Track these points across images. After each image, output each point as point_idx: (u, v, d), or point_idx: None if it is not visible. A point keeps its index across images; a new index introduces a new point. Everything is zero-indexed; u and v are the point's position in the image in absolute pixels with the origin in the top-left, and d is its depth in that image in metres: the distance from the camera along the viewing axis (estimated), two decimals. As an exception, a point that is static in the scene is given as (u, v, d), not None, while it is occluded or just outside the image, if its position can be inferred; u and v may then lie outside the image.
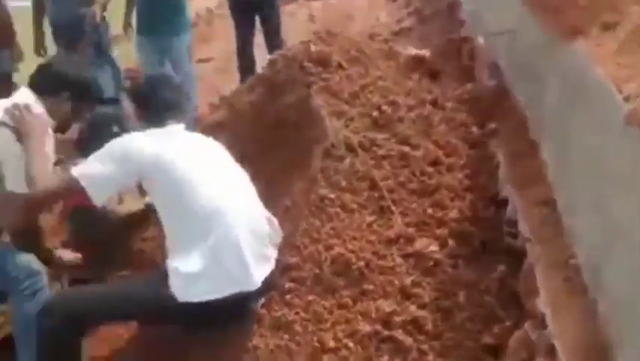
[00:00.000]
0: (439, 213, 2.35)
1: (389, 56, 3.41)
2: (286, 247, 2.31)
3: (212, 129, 3.19)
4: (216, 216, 2.16)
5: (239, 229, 2.17)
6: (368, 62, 2.93)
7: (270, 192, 2.50)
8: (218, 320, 2.16)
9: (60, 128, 2.65)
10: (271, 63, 3.06)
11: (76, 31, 4.30)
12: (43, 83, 2.54)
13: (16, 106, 2.40)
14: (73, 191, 2.24)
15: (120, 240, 2.90)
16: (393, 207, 2.33)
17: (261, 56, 5.01)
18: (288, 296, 2.17)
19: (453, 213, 2.35)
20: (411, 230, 2.29)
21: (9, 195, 2.32)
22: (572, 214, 1.91)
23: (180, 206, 2.19)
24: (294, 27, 5.87)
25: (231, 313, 2.17)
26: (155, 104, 2.40)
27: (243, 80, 4.90)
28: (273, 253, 2.27)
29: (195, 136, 2.44)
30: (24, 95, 2.51)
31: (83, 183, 2.18)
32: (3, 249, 2.39)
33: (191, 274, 2.10)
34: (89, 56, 4.27)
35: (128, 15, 4.90)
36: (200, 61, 5.83)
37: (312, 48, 2.83)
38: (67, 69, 2.60)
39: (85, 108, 2.67)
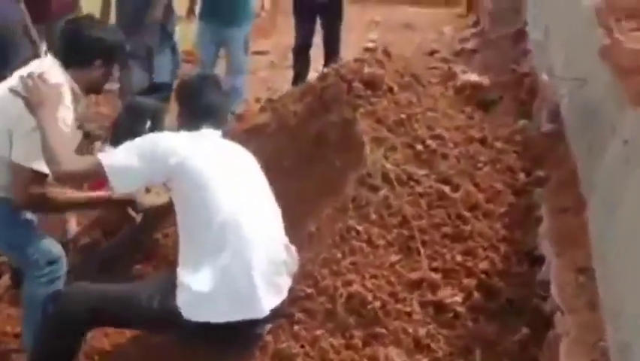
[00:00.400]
0: (469, 263, 2.24)
1: (445, 79, 3.29)
2: (303, 275, 2.24)
3: (253, 132, 3.14)
4: (234, 230, 2.11)
5: (254, 250, 2.11)
6: (420, 90, 2.81)
7: (298, 212, 2.43)
8: (221, 340, 2.11)
9: (92, 92, 2.59)
10: (323, 77, 2.97)
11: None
12: (72, 49, 2.41)
13: (30, 75, 2.29)
14: (98, 176, 2.22)
15: (143, 230, 2.87)
16: (421, 249, 2.23)
17: (317, 58, 4.97)
18: (296, 327, 2.10)
19: (483, 265, 2.24)
20: (436, 276, 2.19)
21: (15, 167, 2.26)
22: (611, 288, 1.77)
23: (199, 215, 2.14)
24: (355, 30, 5.79)
25: (235, 336, 2.12)
26: (198, 106, 2.34)
27: (295, 81, 4.88)
28: (287, 282, 2.20)
29: (227, 145, 2.37)
30: (47, 63, 2.42)
31: (107, 171, 2.14)
32: (26, 231, 2.39)
33: (201, 294, 2.06)
34: (154, 43, 4.24)
35: (192, 1, 4.91)
36: (256, 53, 5.81)
37: (365, 69, 2.73)
38: (97, 34, 2.43)
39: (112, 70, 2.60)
